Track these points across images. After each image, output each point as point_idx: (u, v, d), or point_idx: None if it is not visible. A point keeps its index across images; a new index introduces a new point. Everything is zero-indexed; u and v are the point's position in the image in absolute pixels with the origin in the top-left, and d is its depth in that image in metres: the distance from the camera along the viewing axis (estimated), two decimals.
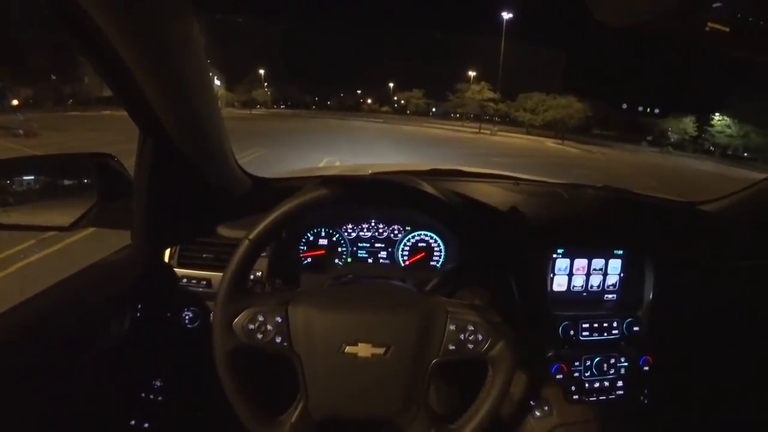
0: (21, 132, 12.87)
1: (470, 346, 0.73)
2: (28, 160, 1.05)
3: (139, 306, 1.01)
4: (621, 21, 0.76)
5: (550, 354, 1.10)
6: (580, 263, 1.14)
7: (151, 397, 1.08)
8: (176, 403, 1.11)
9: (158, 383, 1.09)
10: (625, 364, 1.14)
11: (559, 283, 1.14)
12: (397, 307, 0.75)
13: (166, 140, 0.91)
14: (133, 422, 1.03)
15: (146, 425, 1.05)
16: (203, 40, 0.83)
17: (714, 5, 0.67)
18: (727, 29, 0.72)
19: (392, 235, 1.19)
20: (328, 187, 0.72)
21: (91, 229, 1.04)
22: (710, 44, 0.80)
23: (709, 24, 0.73)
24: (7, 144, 10.74)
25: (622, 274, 1.17)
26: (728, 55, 0.85)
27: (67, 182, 1.01)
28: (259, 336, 0.71)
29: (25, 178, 0.97)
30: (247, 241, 0.71)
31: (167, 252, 1.08)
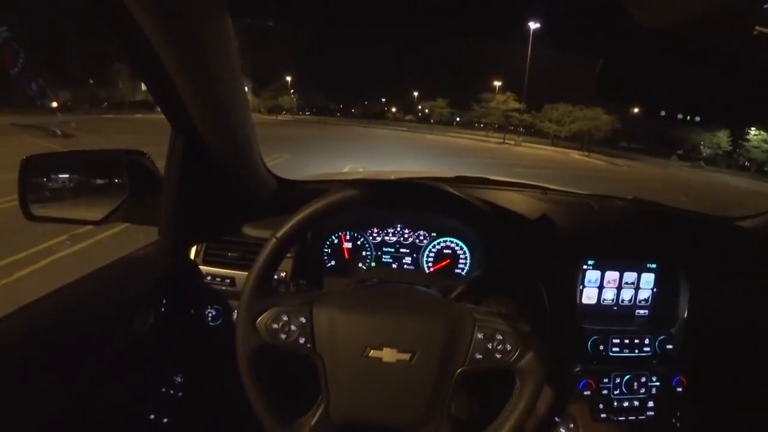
0: (59, 132, 13.39)
1: (498, 355, 0.71)
2: (65, 155, 1.09)
3: (164, 302, 1.02)
4: (663, 25, 0.73)
5: (577, 369, 1.06)
6: (611, 276, 1.10)
7: (172, 392, 1.09)
8: (196, 400, 1.12)
9: (179, 379, 1.10)
10: (657, 383, 1.09)
11: (589, 296, 1.10)
12: (423, 313, 0.73)
13: (197, 139, 0.92)
14: (152, 416, 1.04)
15: (165, 420, 1.06)
16: (237, 42, 0.84)
17: (765, 6, 0.63)
18: None
19: (417, 240, 1.17)
20: (357, 188, 0.71)
21: (122, 226, 1.06)
22: (756, 50, 0.76)
23: (757, 28, 0.69)
24: (46, 143, 11.20)
25: (654, 289, 1.13)
26: None
27: (99, 181, 1.04)
28: (283, 336, 0.71)
29: (60, 175, 1.00)
30: (274, 240, 0.71)
31: (193, 249, 1.09)
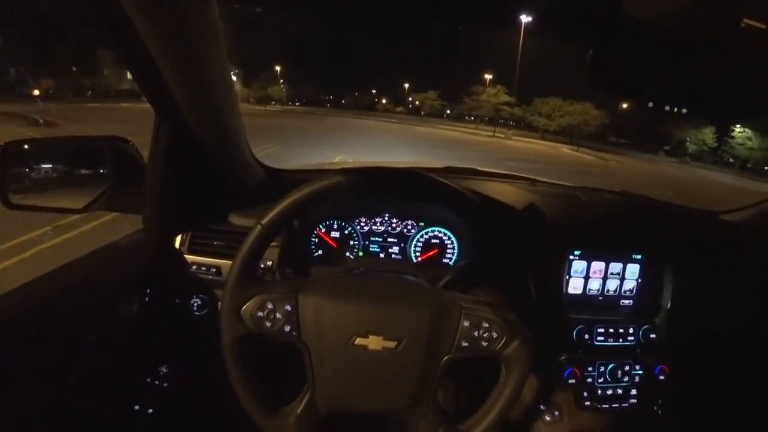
0: (41, 121, 13.08)
1: (484, 343, 0.71)
2: (45, 142, 1.06)
3: (148, 291, 1.00)
4: (651, 16, 0.72)
5: (563, 358, 1.07)
6: (597, 266, 1.12)
7: (157, 382, 1.08)
8: (181, 390, 1.11)
9: (164, 369, 1.09)
10: (640, 372, 1.10)
11: (575, 286, 1.11)
12: (410, 301, 0.73)
13: (182, 125, 0.91)
14: (137, 407, 1.03)
15: (150, 411, 1.05)
16: (222, 25, 0.82)
17: None
18: (764, 26, 0.68)
19: (405, 230, 1.17)
20: (344, 176, 0.70)
21: (108, 216, 1.04)
22: (743, 42, 0.76)
23: (745, 20, 0.69)
24: (28, 132, 10.93)
25: (639, 280, 1.14)
26: (761, 55, 0.82)
27: (83, 171, 1.01)
28: (268, 324, 0.70)
29: (43, 166, 0.97)
30: (259, 227, 0.70)
31: (178, 238, 1.07)
